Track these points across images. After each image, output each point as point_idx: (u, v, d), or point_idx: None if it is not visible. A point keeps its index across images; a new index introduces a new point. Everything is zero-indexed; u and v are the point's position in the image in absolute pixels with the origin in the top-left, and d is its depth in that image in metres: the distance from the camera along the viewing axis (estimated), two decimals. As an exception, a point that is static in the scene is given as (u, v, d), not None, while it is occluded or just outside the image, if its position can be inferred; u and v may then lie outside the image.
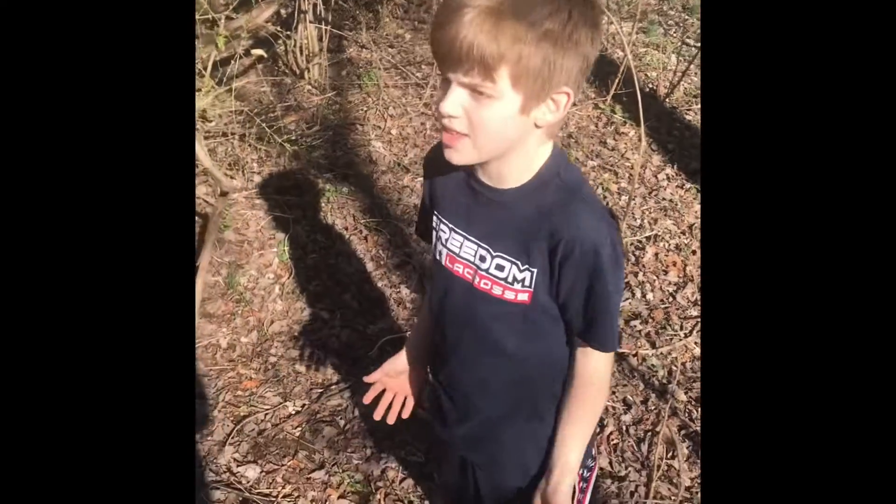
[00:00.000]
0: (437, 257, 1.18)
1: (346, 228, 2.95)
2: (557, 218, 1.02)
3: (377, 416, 1.38)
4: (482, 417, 1.23)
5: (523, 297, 1.07)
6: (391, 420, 1.38)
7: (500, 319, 1.12)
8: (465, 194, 1.11)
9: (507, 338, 1.13)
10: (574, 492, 1.27)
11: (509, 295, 1.08)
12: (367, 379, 1.39)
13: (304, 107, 3.63)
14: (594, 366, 1.11)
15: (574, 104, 1.02)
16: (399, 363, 1.38)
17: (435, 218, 1.17)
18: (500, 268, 1.08)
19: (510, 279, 1.07)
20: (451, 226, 1.14)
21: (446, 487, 1.95)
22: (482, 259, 1.09)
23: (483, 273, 1.10)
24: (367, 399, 1.39)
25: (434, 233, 1.18)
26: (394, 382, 1.39)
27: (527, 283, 1.06)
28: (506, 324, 1.12)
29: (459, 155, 1.00)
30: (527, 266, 1.05)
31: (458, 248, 1.13)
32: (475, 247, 1.10)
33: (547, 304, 1.08)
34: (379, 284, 2.71)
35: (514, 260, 1.06)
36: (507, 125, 0.97)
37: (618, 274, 1.04)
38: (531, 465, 1.22)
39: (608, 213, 1.05)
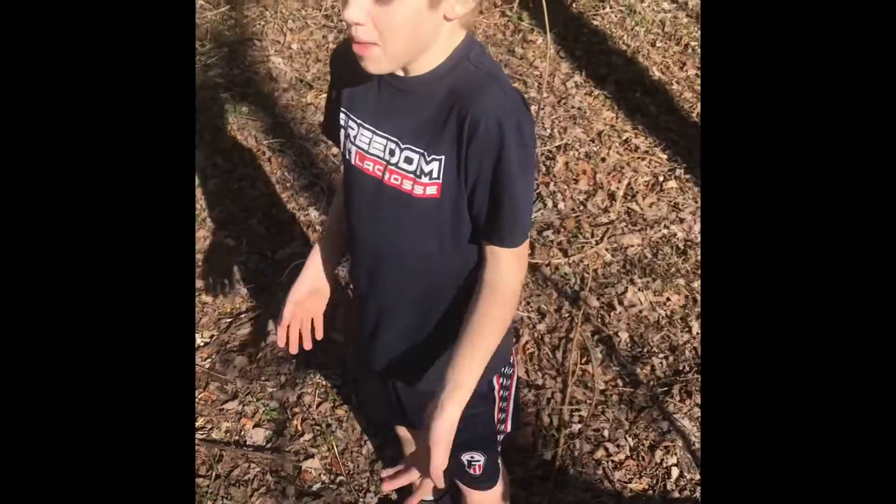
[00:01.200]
0: (347, 157, 1.13)
1: (249, 151, 2.82)
2: (465, 95, 0.99)
3: (292, 350, 1.28)
4: (397, 327, 1.20)
5: (432, 190, 1.03)
6: (307, 346, 1.30)
7: (411, 220, 1.07)
8: (374, 88, 1.07)
9: (419, 240, 1.09)
10: (493, 402, 1.27)
11: (418, 190, 1.04)
12: (280, 324, 1.27)
13: (197, 23, 3.41)
14: (502, 271, 1.05)
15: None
16: (306, 283, 1.27)
17: (343, 115, 1.12)
18: (408, 160, 1.04)
19: (418, 171, 1.03)
20: (359, 122, 1.09)
21: (370, 403, 1.95)
22: (391, 153, 1.06)
23: (392, 168, 1.06)
24: (281, 341, 1.27)
25: (343, 131, 1.13)
26: (304, 308, 1.29)
27: (434, 174, 1.02)
28: (416, 225, 1.08)
29: (373, 65, 0.98)
30: (433, 156, 1.01)
31: (366, 144, 1.08)
32: (385, 141, 1.06)
33: (457, 201, 1.04)
34: (287, 208, 2.61)
35: (421, 150, 1.02)
36: (417, 25, 0.93)
37: (525, 157, 0.99)
38: (445, 369, 1.21)
39: (520, 98, 1.01)
